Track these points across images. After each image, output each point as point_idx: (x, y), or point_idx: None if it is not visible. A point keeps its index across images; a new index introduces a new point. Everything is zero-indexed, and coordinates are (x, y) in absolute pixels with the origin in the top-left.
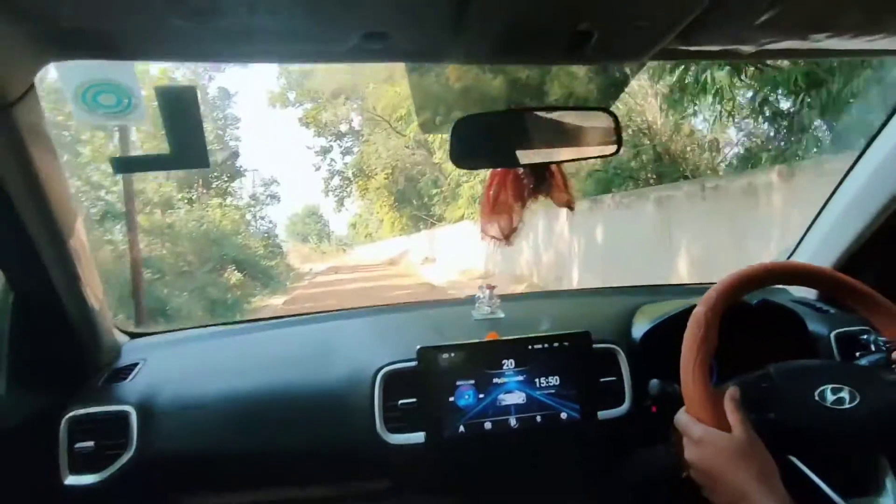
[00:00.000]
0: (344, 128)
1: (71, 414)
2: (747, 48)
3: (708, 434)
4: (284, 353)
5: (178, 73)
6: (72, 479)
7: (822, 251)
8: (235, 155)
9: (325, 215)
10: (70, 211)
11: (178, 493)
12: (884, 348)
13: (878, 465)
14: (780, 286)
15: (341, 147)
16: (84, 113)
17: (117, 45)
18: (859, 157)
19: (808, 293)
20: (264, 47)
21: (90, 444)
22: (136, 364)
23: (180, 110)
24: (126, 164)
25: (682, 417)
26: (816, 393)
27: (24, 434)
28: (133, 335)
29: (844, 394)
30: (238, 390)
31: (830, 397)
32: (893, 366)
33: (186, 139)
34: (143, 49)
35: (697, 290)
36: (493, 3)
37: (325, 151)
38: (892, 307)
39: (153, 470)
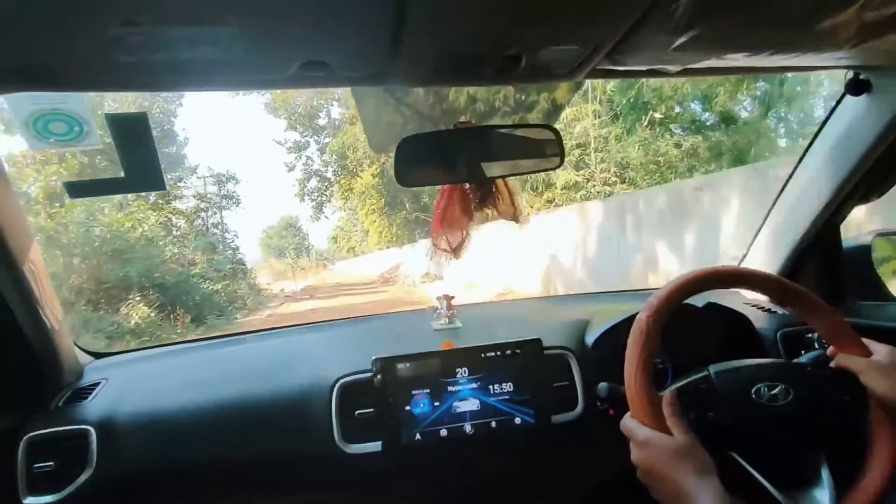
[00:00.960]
0: (323, 121)
1: (30, 434)
2: (672, 67)
3: (650, 437)
4: (244, 366)
5: None
6: (30, 500)
7: (767, 257)
8: (178, 143)
9: (303, 227)
10: (24, 235)
11: None
12: (823, 345)
13: (815, 457)
14: (734, 290)
15: (319, 144)
16: (36, 141)
17: (64, 78)
18: (796, 167)
19: (757, 296)
20: (207, 77)
21: (49, 464)
22: (97, 383)
23: (132, 136)
24: (81, 189)
25: (627, 422)
26: (753, 391)
27: None
28: (97, 355)
29: (779, 391)
30: (198, 404)
31: (766, 394)
32: (827, 351)
33: (140, 163)
34: (89, 82)
35: (645, 295)
36: (425, 31)
37: (299, 148)
38: (825, 307)
39: (113, 487)
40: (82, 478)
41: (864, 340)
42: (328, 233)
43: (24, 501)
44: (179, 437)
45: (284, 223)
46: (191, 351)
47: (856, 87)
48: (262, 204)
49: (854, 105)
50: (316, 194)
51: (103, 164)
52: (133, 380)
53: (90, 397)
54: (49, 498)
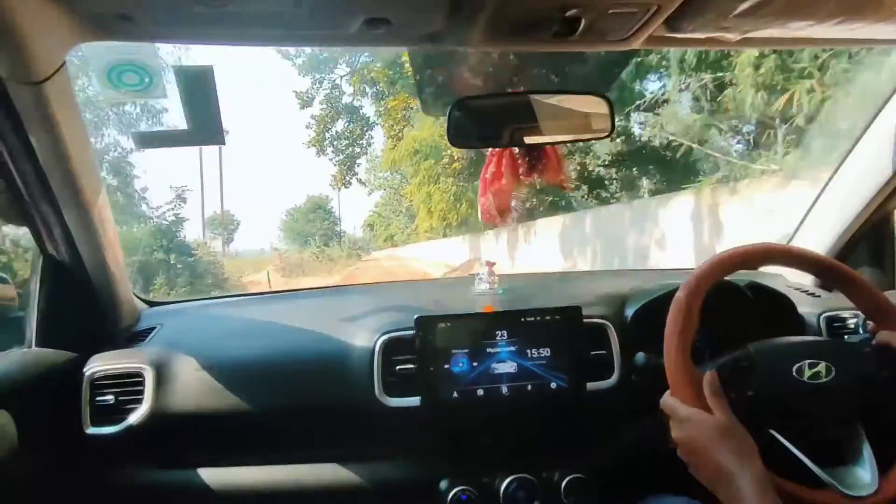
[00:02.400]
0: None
1: (92, 370)
2: (732, 36)
3: (691, 415)
4: (290, 321)
5: None
6: (92, 430)
7: (818, 236)
8: None
9: (335, 210)
10: (96, 183)
11: (189, 446)
12: (869, 331)
13: (856, 434)
14: (776, 272)
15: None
16: (110, 90)
17: (141, 29)
18: (853, 145)
19: (802, 278)
20: (273, 31)
21: (109, 398)
22: (153, 328)
23: (197, 89)
24: (146, 140)
25: (667, 400)
26: (794, 368)
27: (51, 386)
28: (151, 303)
29: (821, 368)
30: (246, 354)
31: (808, 372)
32: (868, 328)
33: (203, 117)
34: (164, 33)
35: (686, 273)
36: None
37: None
38: (866, 284)
39: (165, 424)
40: (138, 413)
41: None
42: (363, 218)
43: (87, 431)
44: (227, 384)
45: (313, 205)
46: (239, 304)
47: None
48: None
49: None
50: (345, 142)
51: None
52: (185, 327)
53: (146, 340)
54: (109, 429)
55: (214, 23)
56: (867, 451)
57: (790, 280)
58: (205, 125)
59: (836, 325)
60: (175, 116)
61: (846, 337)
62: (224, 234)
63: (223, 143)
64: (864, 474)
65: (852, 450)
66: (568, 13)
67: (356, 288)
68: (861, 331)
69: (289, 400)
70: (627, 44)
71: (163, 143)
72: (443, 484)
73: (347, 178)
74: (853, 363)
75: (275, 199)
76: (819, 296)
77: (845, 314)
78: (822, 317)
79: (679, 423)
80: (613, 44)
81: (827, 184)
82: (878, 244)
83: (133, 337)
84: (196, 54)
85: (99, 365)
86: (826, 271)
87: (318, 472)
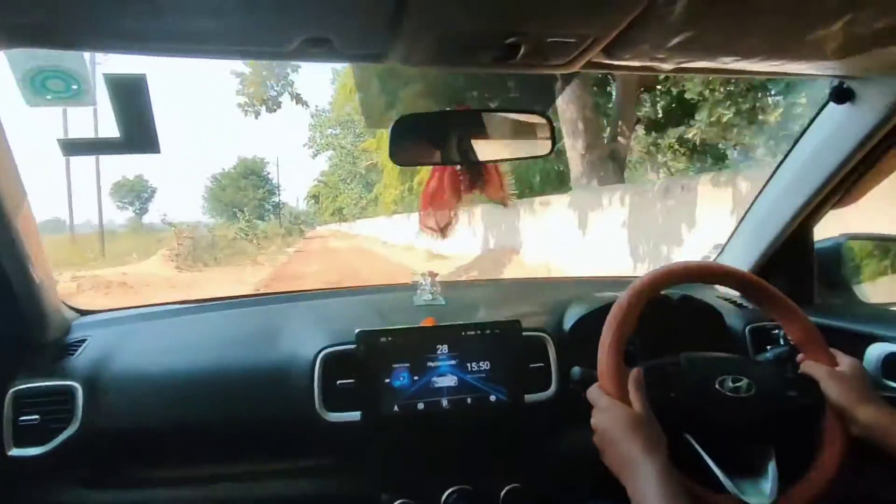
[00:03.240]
0: None
1: (17, 388)
2: (666, 65)
3: (610, 405)
4: (228, 333)
5: None
6: (16, 451)
7: (743, 253)
8: None
9: (273, 176)
10: (18, 190)
11: (121, 465)
12: (790, 342)
13: (765, 451)
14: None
15: None
16: (33, 97)
17: (65, 37)
18: (777, 167)
19: (730, 290)
20: (206, 46)
21: (35, 417)
22: (83, 340)
23: (130, 97)
24: (73, 147)
25: (593, 391)
26: (717, 381)
27: None
28: (82, 312)
29: (742, 384)
30: (182, 368)
31: (730, 385)
32: (795, 359)
33: (136, 126)
34: (90, 42)
35: (626, 282)
36: (426, 12)
37: None
38: (799, 313)
39: (97, 443)
40: (67, 433)
41: (833, 351)
42: (308, 188)
43: (10, 453)
44: (162, 400)
45: (244, 169)
46: (176, 314)
47: (839, 95)
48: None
49: (837, 113)
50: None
51: None
52: (119, 339)
53: (76, 353)
54: (34, 451)
55: (143, 36)
56: (772, 467)
57: (720, 290)
58: (138, 134)
59: (761, 336)
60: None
61: (769, 347)
62: (137, 203)
63: (158, 152)
64: (765, 487)
65: (759, 464)
66: (508, 40)
67: (297, 295)
68: (782, 342)
69: (226, 416)
70: (567, 68)
71: (92, 151)
72: (384, 497)
73: (274, 97)
74: (775, 386)
75: (205, 162)
76: (746, 306)
77: (769, 325)
78: (747, 329)
79: (599, 412)
80: (554, 67)
81: (754, 201)
82: (798, 258)
83: (62, 349)
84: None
85: (23, 382)
86: (761, 296)
87: (259, 488)
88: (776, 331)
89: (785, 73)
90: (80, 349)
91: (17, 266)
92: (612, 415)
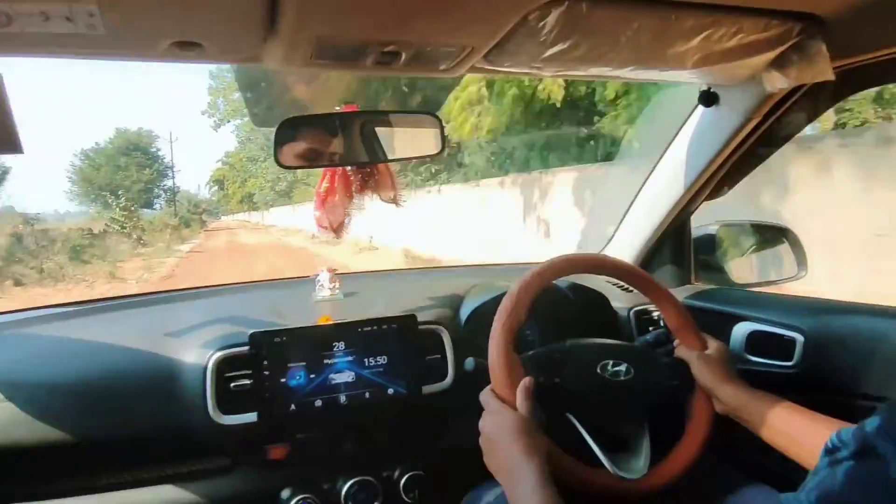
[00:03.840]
0: None
1: None
2: (545, 72)
3: (497, 410)
4: (110, 337)
5: None
6: None
7: (629, 243)
8: None
9: (164, 155)
10: None
11: (6, 481)
12: (665, 326)
13: (640, 429)
14: None
15: None
16: None
17: None
18: (655, 165)
19: None
20: (68, 49)
21: None
22: None
23: None
24: None
25: (485, 394)
26: (599, 365)
27: None
28: None
29: (622, 367)
30: (60, 377)
31: (610, 369)
32: (672, 340)
33: None
34: None
35: (522, 269)
36: (300, 16)
37: None
38: (667, 295)
39: None
40: None
41: (703, 335)
42: (211, 172)
43: None
44: (40, 412)
45: (124, 143)
46: (50, 318)
47: (707, 99)
48: None
49: (705, 114)
50: None
51: None
52: None
53: None
54: None
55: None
56: (646, 443)
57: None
58: None
59: (644, 317)
60: None
61: (651, 328)
62: None
63: (21, 153)
64: (639, 462)
65: (634, 441)
66: (386, 48)
67: (185, 293)
68: (662, 324)
69: (113, 425)
70: (452, 72)
71: None
72: (284, 493)
73: None
74: (651, 369)
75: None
76: (631, 291)
77: (651, 308)
78: (632, 311)
79: (487, 416)
80: (439, 72)
81: (637, 193)
82: (678, 246)
83: None
84: None
85: None
86: (642, 285)
87: (152, 495)
88: (656, 314)
89: (657, 79)
90: None
91: None
92: (497, 420)
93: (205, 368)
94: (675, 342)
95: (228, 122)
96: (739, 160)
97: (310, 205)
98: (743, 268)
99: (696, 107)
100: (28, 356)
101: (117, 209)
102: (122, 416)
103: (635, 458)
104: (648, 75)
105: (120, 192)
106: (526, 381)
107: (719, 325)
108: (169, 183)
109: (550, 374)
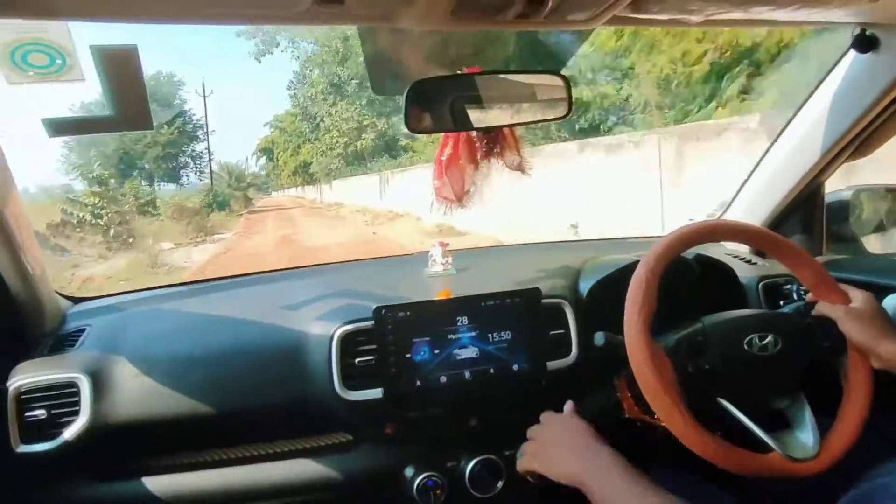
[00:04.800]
0: None
1: (18, 384)
2: (695, 17)
3: (559, 417)
4: (234, 312)
5: None
6: (24, 448)
7: (752, 209)
8: None
9: (193, 112)
10: (5, 177)
11: (133, 456)
12: (803, 296)
13: (799, 401)
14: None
15: None
16: (14, 73)
17: (48, 5)
18: (789, 121)
19: (738, 247)
20: (207, 11)
21: (41, 413)
22: (81, 330)
23: (120, 70)
24: (60, 127)
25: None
26: (745, 341)
27: None
28: (75, 300)
29: (769, 340)
30: (190, 353)
31: (757, 344)
32: (811, 312)
33: (127, 101)
34: (73, 9)
35: (638, 244)
36: None
37: None
38: (808, 258)
39: (106, 436)
40: (75, 426)
41: (843, 286)
42: (258, 141)
43: (18, 451)
44: (172, 387)
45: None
46: (178, 296)
47: (863, 43)
48: None
49: (858, 61)
50: None
51: None
52: (118, 326)
53: (77, 344)
54: (42, 446)
55: (137, 2)
56: (809, 417)
57: (728, 248)
58: (129, 110)
59: (773, 291)
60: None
61: (782, 303)
62: None
63: (151, 128)
64: (807, 439)
65: (795, 417)
66: None
67: (302, 271)
68: (796, 297)
69: (241, 398)
70: (591, 24)
71: (81, 131)
72: (408, 471)
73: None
74: (798, 335)
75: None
76: (755, 263)
77: (781, 281)
78: (760, 284)
79: (550, 424)
80: (577, 24)
81: (762, 158)
82: (808, 214)
83: (60, 341)
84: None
85: (25, 377)
86: (773, 247)
87: (279, 469)
88: (788, 285)
89: (811, 21)
90: (80, 339)
91: (10, 257)
92: (557, 425)
93: (330, 343)
94: (809, 297)
95: (277, 45)
96: (893, 115)
97: (401, 175)
98: (882, 238)
99: (844, 53)
100: (159, 332)
101: (94, 183)
102: (252, 388)
103: (802, 435)
104: (804, 16)
105: (145, 162)
106: (569, 404)
107: None
108: (197, 147)
109: (697, 359)
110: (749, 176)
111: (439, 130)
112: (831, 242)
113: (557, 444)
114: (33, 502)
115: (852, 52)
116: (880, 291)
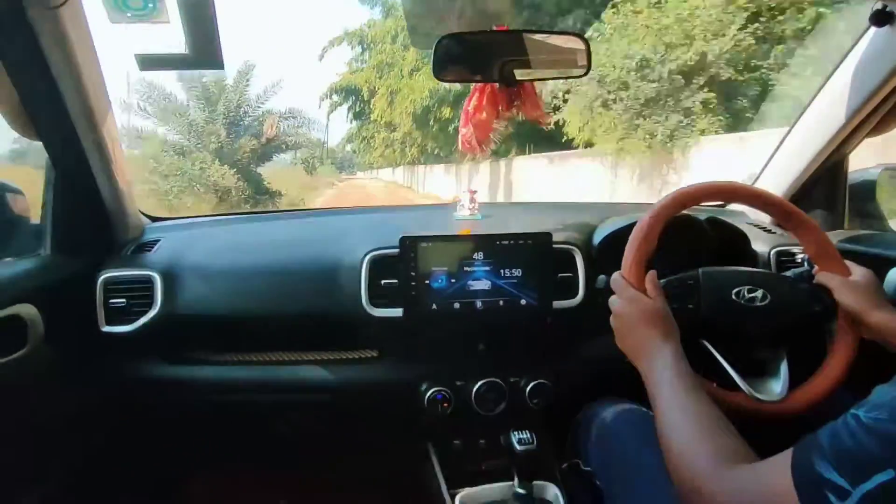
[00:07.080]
0: None
1: (105, 276)
2: None
3: (634, 296)
4: (286, 237)
5: None
6: (107, 328)
7: (779, 178)
8: None
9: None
10: (105, 103)
11: (193, 346)
12: (810, 266)
13: (777, 353)
14: (740, 209)
15: None
16: (115, 15)
17: None
18: (815, 94)
19: (761, 218)
20: None
21: (122, 301)
22: (157, 240)
23: (195, 12)
24: (150, 62)
25: (617, 279)
26: (734, 292)
27: (68, 288)
28: (154, 219)
29: (758, 293)
30: (245, 264)
31: (745, 295)
32: (814, 277)
33: (201, 41)
34: None
35: None
36: None
37: None
38: (814, 226)
39: (173, 325)
40: (148, 315)
41: (847, 262)
42: (347, 131)
43: (103, 329)
44: (228, 291)
45: None
46: (239, 220)
47: (880, 17)
48: None
49: (877, 37)
50: None
51: None
52: (187, 240)
53: (153, 250)
54: (122, 328)
55: None
56: (784, 368)
57: (751, 217)
58: (203, 50)
59: (784, 259)
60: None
61: (790, 270)
62: None
63: (222, 69)
64: (776, 386)
65: (771, 366)
66: None
67: (346, 210)
68: (806, 265)
69: (283, 307)
70: None
71: (163, 66)
72: (423, 386)
73: None
74: (788, 295)
75: None
76: (774, 233)
77: (794, 249)
78: (772, 251)
79: (622, 299)
80: None
81: (791, 129)
82: (831, 187)
83: (139, 248)
84: None
85: (111, 271)
86: (779, 212)
87: (308, 374)
88: (800, 255)
89: None
90: (156, 247)
91: (104, 171)
92: (635, 304)
93: (360, 265)
94: (815, 269)
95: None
96: None
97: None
98: None
99: (866, 29)
100: (221, 247)
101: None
102: (294, 298)
103: (773, 382)
104: None
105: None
106: (650, 273)
107: (872, 269)
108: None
109: (683, 300)
110: (777, 147)
111: (464, 80)
112: (855, 219)
113: (629, 327)
114: (113, 374)
115: (872, 28)
116: (890, 264)
